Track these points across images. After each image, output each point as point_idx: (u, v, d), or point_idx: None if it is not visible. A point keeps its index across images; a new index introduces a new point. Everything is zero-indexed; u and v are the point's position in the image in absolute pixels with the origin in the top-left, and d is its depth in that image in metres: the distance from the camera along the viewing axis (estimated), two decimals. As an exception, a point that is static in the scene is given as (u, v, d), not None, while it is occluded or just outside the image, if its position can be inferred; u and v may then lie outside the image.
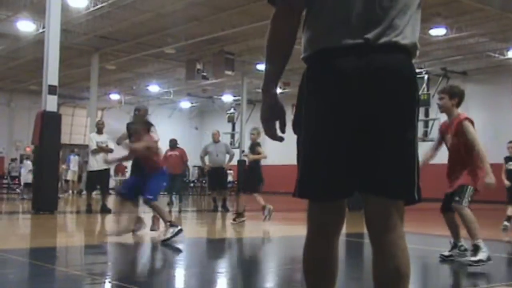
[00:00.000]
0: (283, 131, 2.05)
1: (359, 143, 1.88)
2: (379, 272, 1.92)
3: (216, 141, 12.99)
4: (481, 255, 4.88)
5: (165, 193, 13.32)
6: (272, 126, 2.04)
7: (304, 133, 1.97)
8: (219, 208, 12.94)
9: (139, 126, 7.03)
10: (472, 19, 16.21)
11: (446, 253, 5.36)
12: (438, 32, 16.89)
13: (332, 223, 2.02)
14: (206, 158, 13.12)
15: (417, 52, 1.97)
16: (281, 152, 14.71)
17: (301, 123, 1.97)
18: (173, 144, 13.49)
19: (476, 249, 4.92)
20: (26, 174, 16.78)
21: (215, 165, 12.86)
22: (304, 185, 1.98)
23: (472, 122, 5.30)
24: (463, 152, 5.30)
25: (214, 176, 13.17)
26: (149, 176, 6.87)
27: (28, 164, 16.64)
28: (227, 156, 12.98)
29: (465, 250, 5.29)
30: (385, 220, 1.91)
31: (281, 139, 2.06)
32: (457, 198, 5.16)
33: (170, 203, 13.17)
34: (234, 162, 23.59)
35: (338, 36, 1.89)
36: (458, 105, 5.39)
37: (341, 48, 1.88)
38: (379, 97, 1.87)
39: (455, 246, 5.34)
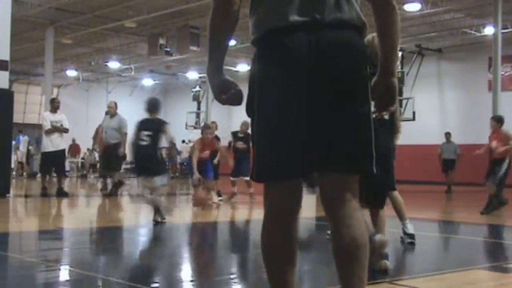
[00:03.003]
0: (240, 100, 2.14)
1: (312, 119, 1.96)
2: (337, 244, 2.01)
3: (111, 114, 11.73)
4: None
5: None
6: (227, 98, 2.14)
7: (257, 114, 2.05)
8: (109, 191, 11.77)
9: None
10: (448, -6, 16.41)
11: None
12: (413, 7, 17.03)
13: (289, 204, 2.09)
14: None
15: (366, 29, 2.07)
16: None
17: (254, 105, 2.06)
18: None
19: None
20: None
21: (105, 142, 11.65)
22: (260, 165, 2.06)
23: None
24: None
25: (104, 156, 12.02)
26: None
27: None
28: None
29: None
30: (341, 194, 2.01)
31: (239, 102, 2.13)
32: None
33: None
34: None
35: (285, 16, 1.98)
36: None
37: (289, 26, 1.98)
38: (330, 72, 1.96)
39: None
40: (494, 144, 9.08)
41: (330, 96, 1.96)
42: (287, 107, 1.97)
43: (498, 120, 9.52)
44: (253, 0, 2.10)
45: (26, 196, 12.49)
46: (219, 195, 10.74)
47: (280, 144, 1.98)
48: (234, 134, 11.14)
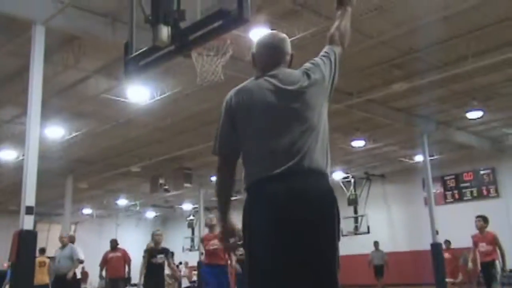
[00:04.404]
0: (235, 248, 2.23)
1: (293, 256, 1.94)
2: None
3: (63, 245, 10.56)
4: None
5: None
6: (231, 244, 2.22)
7: (249, 254, 2.03)
8: None
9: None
10: (385, 132, 16.96)
11: None
12: (358, 143, 17.51)
13: None
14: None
15: (329, 173, 2.16)
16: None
17: (245, 241, 2.08)
18: (113, 245, 11.54)
19: None
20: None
21: (57, 273, 10.21)
22: None
23: None
24: None
25: (57, 284, 10.32)
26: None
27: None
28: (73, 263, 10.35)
29: None
30: None
31: (236, 248, 2.24)
32: None
33: None
34: (194, 263, 22.68)
35: (266, 169, 2.04)
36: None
37: (270, 177, 2.02)
38: (304, 214, 1.96)
39: None
40: (484, 246, 7.86)
41: (307, 234, 1.94)
42: (272, 249, 1.94)
43: (485, 220, 8.10)
44: (243, 160, 2.16)
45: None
46: None
47: (270, 280, 1.94)
48: None
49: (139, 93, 12.82)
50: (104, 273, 11.58)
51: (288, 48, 2.29)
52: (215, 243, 7.38)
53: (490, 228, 8.06)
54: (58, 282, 10.28)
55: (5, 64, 11.41)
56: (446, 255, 13.36)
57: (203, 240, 7.74)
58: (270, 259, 1.94)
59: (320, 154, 2.05)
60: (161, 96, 12.69)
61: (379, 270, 15.65)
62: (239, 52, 10.27)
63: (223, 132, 2.15)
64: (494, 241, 7.87)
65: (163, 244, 8.84)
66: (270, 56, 2.23)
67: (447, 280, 12.86)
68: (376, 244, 16.20)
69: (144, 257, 8.46)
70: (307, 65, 2.25)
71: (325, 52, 2.34)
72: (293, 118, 2.06)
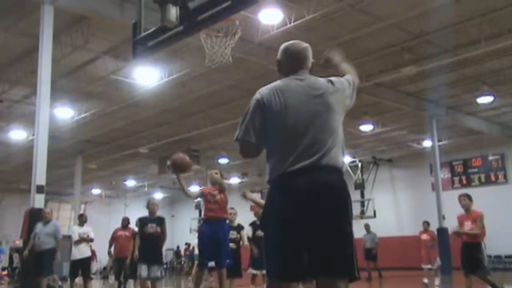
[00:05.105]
0: None
1: (310, 240, 2.20)
2: None
3: (45, 221, 9.37)
4: None
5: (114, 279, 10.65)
6: None
7: (270, 235, 2.31)
8: None
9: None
10: (393, 116, 16.88)
11: None
12: (366, 128, 17.45)
13: None
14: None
15: (344, 170, 2.41)
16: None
17: (267, 226, 2.35)
18: (125, 223, 11.19)
19: None
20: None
21: (37, 249, 9.14)
22: (271, 270, 2.32)
23: None
24: None
25: (35, 262, 9.26)
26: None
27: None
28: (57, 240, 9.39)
29: None
30: None
31: None
32: None
33: None
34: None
35: (290, 164, 2.29)
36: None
37: (293, 171, 2.27)
38: (321, 205, 2.22)
39: None
40: (469, 225, 7.00)
41: (322, 222, 2.20)
42: (290, 232, 2.21)
43: (470, 198, 7.31)
44: (267, 152, 2.39)
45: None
46: None
47: (287, 258, 2.22)
48: (253, 224, 8.77)
49: (148, 74, 12.82)
50: (112, 250, 11.45)
51: (311, 55, 2.56)
52: (215, 195, 6.97)
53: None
54: (38, 259, 9.20)
55: (15, 44, 11.44)
56: (424, 236, 11.86)
57: (203, 194, 7.24)
58: (293, 245, 2.19)
59: (337, 152, 2.33)
60: (169, 78, 12.68)
61: (369, 254, 15.42)
62: (248, 34, 10.21)
63: (251, 122, 2.37)
64: (478, 220, 6.90)
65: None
66: (295, 62, 2.51)
67: (423, 266, 11.56)
68: (367, 227, 16.01)
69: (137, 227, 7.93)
70: (332, 77, 2.54)
71: (346, 77, 2.63)
72: (317, 120, 2.34)
